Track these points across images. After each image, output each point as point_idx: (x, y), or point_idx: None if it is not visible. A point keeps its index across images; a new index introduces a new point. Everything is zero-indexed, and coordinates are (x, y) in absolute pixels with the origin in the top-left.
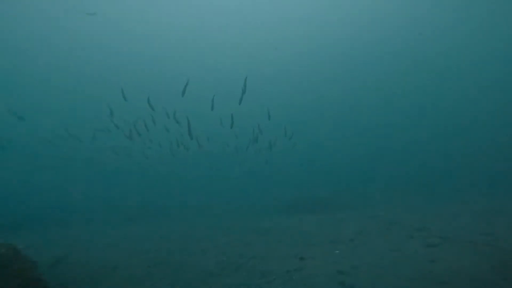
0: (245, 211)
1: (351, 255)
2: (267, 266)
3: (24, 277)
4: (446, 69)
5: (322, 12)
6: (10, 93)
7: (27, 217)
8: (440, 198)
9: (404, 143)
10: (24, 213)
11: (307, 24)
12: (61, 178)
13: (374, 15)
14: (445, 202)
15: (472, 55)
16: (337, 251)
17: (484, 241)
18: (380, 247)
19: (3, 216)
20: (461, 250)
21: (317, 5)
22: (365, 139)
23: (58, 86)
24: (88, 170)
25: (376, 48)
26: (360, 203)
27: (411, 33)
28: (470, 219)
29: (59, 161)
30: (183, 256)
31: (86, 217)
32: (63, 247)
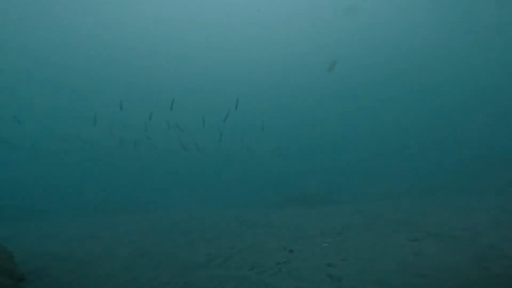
0: (233, 205)
1: (339, 248)
2: (256, 258)
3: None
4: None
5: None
6: None
7: (3, 209)
8: (425, 193)
9: (394, 139)
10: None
11: (304, 23)
12: (40, 171)
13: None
14: (429, 197)
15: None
16: (325, 244)
17: (464, 236)
18: (367, 240)
19: None
20: (443, 244)
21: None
22: (354, 135)
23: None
24: (68, 163)
25: (364, 53)
26: (347, 198)
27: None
28: (451, 214)
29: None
30: (169, 248)
31: (65, 209)
32: (40, 239)
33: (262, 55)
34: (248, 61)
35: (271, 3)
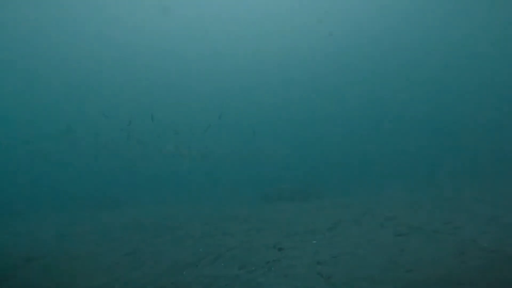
0: (223, 199)
1: (329, 244)
2: (246, 257)
3: None
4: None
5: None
6: None
7: None
8: (413, 187)
9: (381, 134)
10: None
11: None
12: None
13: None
14: (416, 191)
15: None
16: (314, 241)
17: (445, 230)
18: (355, 236)
19: None
20: (426, 239)
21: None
22: (342, 129)
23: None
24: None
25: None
26: (338, 191)
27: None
28: (434, 208)
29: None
30: (156, 246)
31: (41, 205)
32: (12, 238)
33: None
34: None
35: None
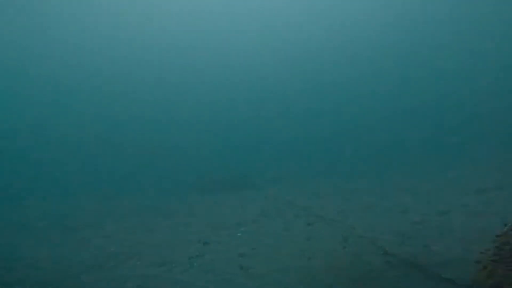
0: (148, 192)
1: (252, 237)
2: (168, 254)
3: None
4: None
5: None
6: None
7: None
8: (338, 176)
9: (311, 122)
10: None
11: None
12: None
13: None
14: (339, 180)
15: None
16: (239, 234)
17: (337, 218)
18: (276, 227)
19: None
20: (326, 227)
21: None
22: (275, 116)
23: None
24: None
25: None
26: (267, 182)
27: None
28: (336, 197)
29: None
30: (50, 250)
31: None
32: None
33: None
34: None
35: None
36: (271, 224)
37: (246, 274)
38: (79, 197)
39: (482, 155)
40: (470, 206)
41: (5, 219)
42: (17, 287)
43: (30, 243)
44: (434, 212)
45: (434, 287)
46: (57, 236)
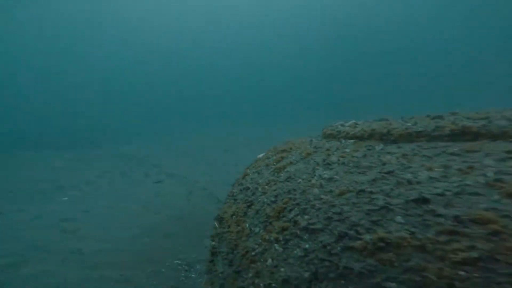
0: None
1: (90, 198)
2: None
3: None
4: None
5: None
6: None
7: None
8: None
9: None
10: None
11: None
12: None
13: None
14: (182, 140)
15: None
16: (65, 198)
17: (185, 174)
18: (121, 186)
19: None
20: (175, 183)
21: None
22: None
23: None
24: None
25: None
26: (116, 140)
27: None
28: (186, 155)
29: None
30: None
31: None
32: None
33: None
34: None
35: None
36: (115, 183)
37: (71, 236)
38: None
39: None
40: None
41: None
42: None
43: None
44: None
45: None
46: None
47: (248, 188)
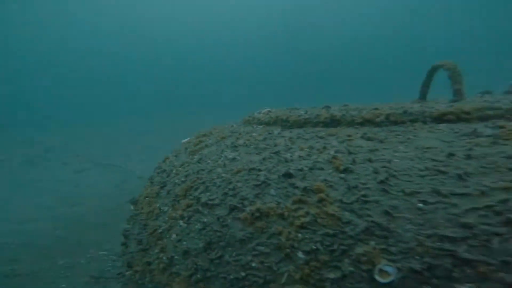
0: None
1: None
2: None
3: None
4: None
5: None
6: None
7: None
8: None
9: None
10: None
11: None
12: None
13: None
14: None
15: None
16: None
17: (119, 163)
18: (26, 176)
19: None
20: (102, 172)
21: None
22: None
23: None
24: None
25: None
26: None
27: None
28: (110, 144)
29: None
30: None
31: None
32: None
33: None
34: None
35: None
36: (24, 172)
37: None
38: None
39: None
40: None
41: None
42: None
43: None
44: None
45: None
46: None
47: (164, 171)
